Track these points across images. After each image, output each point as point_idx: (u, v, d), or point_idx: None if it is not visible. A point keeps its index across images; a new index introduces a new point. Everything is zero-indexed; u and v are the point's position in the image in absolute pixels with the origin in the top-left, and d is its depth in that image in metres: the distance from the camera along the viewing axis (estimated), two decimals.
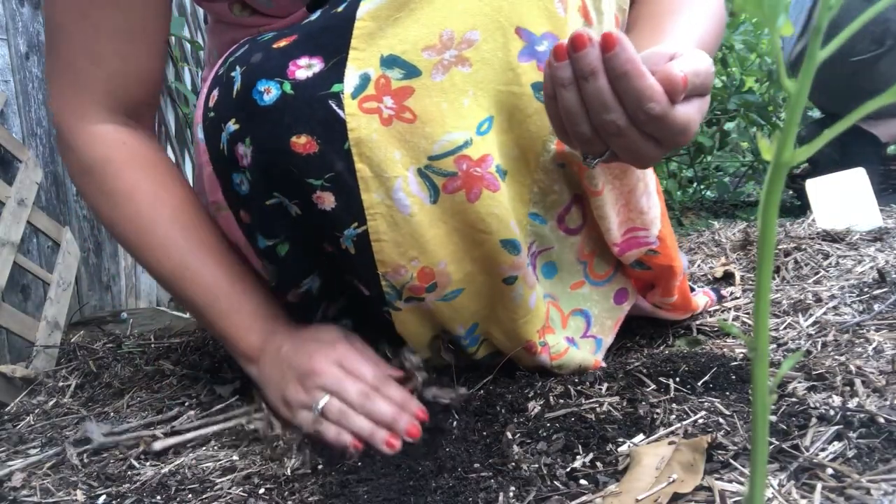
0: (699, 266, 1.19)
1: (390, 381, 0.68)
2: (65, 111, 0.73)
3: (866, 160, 1.44)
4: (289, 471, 0.61)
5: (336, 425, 0.64)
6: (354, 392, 0.65)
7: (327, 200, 0.61)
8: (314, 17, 0.65)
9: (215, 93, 0.64)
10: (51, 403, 0.91)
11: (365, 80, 0.59)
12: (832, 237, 1.18)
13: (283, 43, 0.62)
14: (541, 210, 0.69)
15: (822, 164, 1.71)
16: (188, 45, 1.96)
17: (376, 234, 0.61)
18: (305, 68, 0.60)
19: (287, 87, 0.59)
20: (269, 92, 0.59)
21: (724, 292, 0.99)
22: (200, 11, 2.07)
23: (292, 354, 0.69)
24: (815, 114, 2.22)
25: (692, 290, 0.95)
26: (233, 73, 0.62)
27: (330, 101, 0.58)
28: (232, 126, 0.62)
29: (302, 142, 0.59)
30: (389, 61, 0.59)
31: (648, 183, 0.71)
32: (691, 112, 0.55)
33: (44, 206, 1.38)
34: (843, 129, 0.21)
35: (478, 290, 0.66)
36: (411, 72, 0.59)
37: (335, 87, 0.59)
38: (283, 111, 0.59)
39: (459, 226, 0.62)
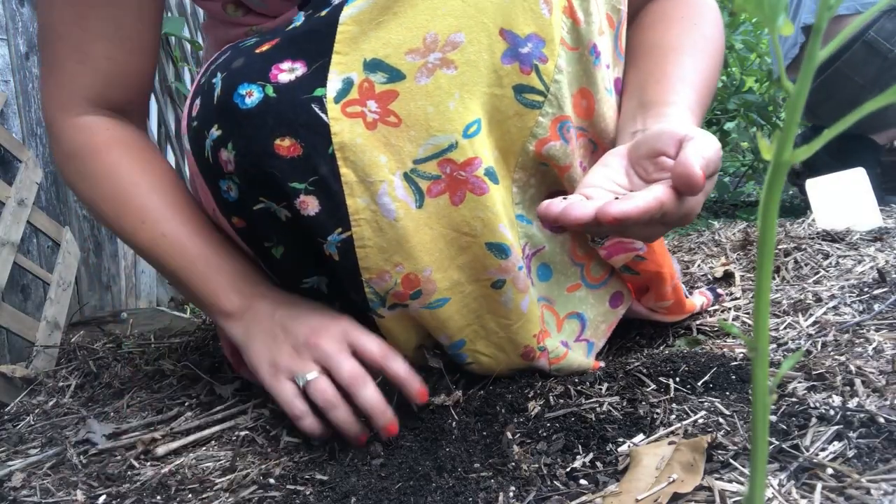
0: (699, 266, 1.19)
1: (397, 356, 0.65)
2: (52, 105, 0.74)
3: (863, 163, 1.44)
4: (289, 470, 0.61)
5: (311, 411, 0.64)
6: (347, 371, 0.63)
7: (311, 205, 0.60)
8: (297, 22, 0.65)
9: (197, 102, 0.64)
10: (51, 403, 0.91)
11: (348, 84, 0.59)
12: (832, 237, 1.18)
13: (265, 47, 0.62)
14: (523, 210, 0.68)
15: (818, 168, 1.72)
16: (188, 45, 1.96)
17: (361, 241, 0.61)
18: (288, 72, 0.59)
19: (269, 91, 0.59)
20: (251, 95, 0.59)
21: (723, 292, 0.99)
22: (200, 11, 2.07)
23: (289, 320, 0.67)
24: None
25: (690, 292, 0.95)
26: (214, 80, 0.62)
27: (313, 105, 0.58)
28: (215, 132, 0.62)
29: (286, 144, 0.58)
30: (373, 65, 0.58)
31: None
32: (698, 199, 0.57)
33: (44, 206, 1.38)
34: (840, 134, 0.21)
35: (465, 302, 0.66)
36: (395, 75, 0.58)
37: (318, 92, 0.59)
38: (266, 114, 0.59)
39: (444, 230, 0.62)
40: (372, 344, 0.65)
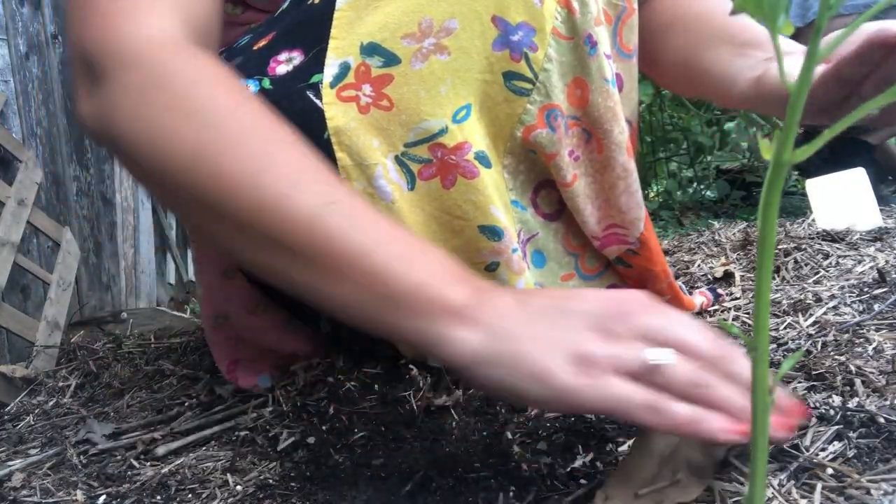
0: (699, 266, 1.19)
1: (735, 350, 0.46)
2: (112, 23, 0.53)
3: (857, 165, 1.44)
4: (289, 470, 0.61)
5: (672, 402, 0.41)
6: (707, 347, 0.44)
7: None
8: (286, 7, 0.65)
9: None
10: (51, 403, 0.91)
11: (345, 68, 0.59)
12: (832, 237, 1.18)
13: (262, 43, 0.62)
14: (516, 195, 0.69)
15: (811, 173, 1.72)
16: None
17: None
18: (286, 63, 0.60)
19: (266, 83, 0.59)
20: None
21: (723, 292, 0.99)
22: None
23: (563, 301, 0.46)
24: None
25: (690, 291, 0.95)
26: None
27: (308, 92, 0.59)
28: None
29: None
30: (369, 49, 0.59)
31: (630, 184, 0.71)
32: None
33: (44, 206, 1.38)
34: (835, 136, 0.21)
35: None
36: (391, 59, 0.59)
37: (314, 78, 0.59)
38: None
39: (437, 213, 0.63)
40: (700, 336, 0.44)
